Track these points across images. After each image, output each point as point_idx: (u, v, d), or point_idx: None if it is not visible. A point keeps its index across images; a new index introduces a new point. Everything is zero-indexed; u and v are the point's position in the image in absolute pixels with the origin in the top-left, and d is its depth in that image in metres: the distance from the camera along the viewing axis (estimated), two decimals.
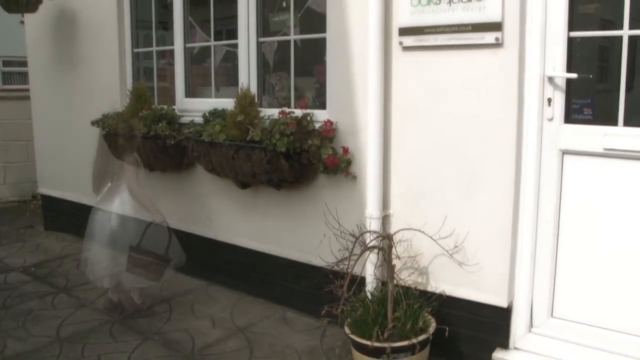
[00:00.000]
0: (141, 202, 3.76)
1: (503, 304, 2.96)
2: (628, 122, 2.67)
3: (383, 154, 3.23)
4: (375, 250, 3.13)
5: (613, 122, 2.69)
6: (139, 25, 4.91)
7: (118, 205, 3.73)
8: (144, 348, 3.40)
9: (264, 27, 3.98)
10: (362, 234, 3.10)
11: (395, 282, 3.02)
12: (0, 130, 7.37)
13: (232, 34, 4.10)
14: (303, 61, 3.94)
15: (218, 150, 3.73)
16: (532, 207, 2.90)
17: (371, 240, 3.10)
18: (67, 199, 5.69)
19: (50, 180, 6.01)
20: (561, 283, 2.91)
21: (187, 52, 4.48)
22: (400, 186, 3.27)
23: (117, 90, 4.90)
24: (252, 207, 4.03)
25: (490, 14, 2.81)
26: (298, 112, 3.50)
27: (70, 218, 5.62)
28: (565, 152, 2.83)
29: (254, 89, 3.90)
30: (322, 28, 3.55)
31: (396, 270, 3.07)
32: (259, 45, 3.98)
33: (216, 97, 4.37)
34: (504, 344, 2.99)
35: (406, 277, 3.21)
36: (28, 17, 5.58)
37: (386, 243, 3.06)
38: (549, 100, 2.82)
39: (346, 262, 2.97)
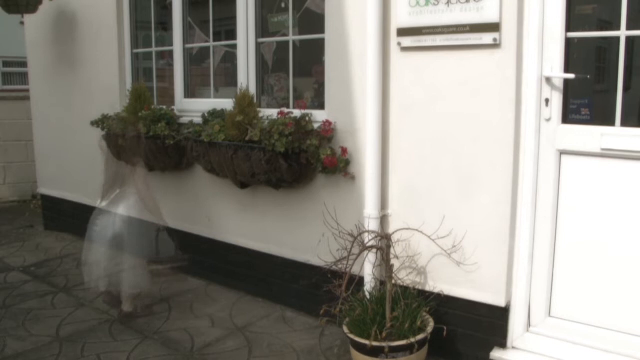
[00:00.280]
0: (148, 205, 3.78)
1: (501, 303, 2.97)
2: (625, 123, 2.67)
3: (381, 154, 3.24)
4: (374, 250, 3.14)
5: (610, 122, 2.70)
6: (139, 26, 4.92)
7: (123, 210, 3.73)
8: (144, 347, 3.41)
9: (263, 28, 3.99)
10: (360, 234, 3.10)
11: (393, 281, 3.03)
12: (0, 131, 7.39)
13: (231, 34, 4.11)
14: (302, 62, 3.95)
15: (217, 151, 3.74)
16: (529, 207, 2.91)
17: (370, 240, 3.11)
18: (67, 199, 5.71)
19: (50, 180, 6.03)
20: (559, 283, 2.92)
21: (187, 52, 4.49)
22: (398, 186, 3.28)
23: (117, 91, 4.91)
24: (251, 207, 4.04)
25: (488, 15, 2.82)
26: (297, 113, 3.51)
27: (70, 218, 5.64)
28: (562, 153, 2.84)
29: (253, 90, 3.91)
30: (320, 29, 3.56)
31: (394, 270, 3.08)
32: (258, 45, 3.99)
33: (215, 97, 4.37)
34: (502, 343, 3.00)
35: (404, 277, 3.22)
36: (28, 18, 5.59)
37: (384, 243, 3.07)
38: (547, 100, 2.83)
39: (345, 262, 2.98)
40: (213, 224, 4.32)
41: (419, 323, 2.92)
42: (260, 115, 3.68)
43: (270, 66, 4.11)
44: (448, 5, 2.94)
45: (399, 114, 3.21)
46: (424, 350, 2.97)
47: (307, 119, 3.48)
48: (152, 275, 3.90)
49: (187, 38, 4.47)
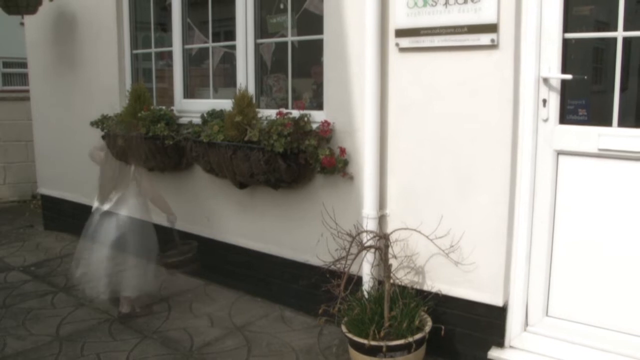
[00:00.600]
0: (157, 202, 3.80)
1: (498, 302, 2.98)
2: (622, 123, 2.69)
3: (380, 154, 3.25)
4: (372, 250, 3.14)
5: (607, 122, 2.71)
6: (138, 26, 4.94)
7: (126, 212, 3.75)
8: (143, 347, 3.42)
9: (262, 29, 4.00)
10: (359, 234, 3.11)
11: (391, 281, 3.04)
12: (0, 131, 7.40)
13: (230, 35, 4.12)
14: (300, 62, 3.96)
15: (216, 151, 3.75)
16: (527, 206, 2.92)
17: (368, 240, 3.13)
18: (67, 199, 5.72)
19: (50, 181, 6.04)
20: (556, 282, 2.93)
21: (186, 53, 4.50)
22: (396, 186, 3.29)
23: (117, 91, 4.92)
24: (250, 207, 4.05)
25: (485, 16, 2.83)
26: (295, 113, 3.52)
27: (70, 218, 5.65)
28: (560, 153, 2.85)
29: (251, 90, 3.93)
30: (319, 29, 3.57)
31: (393, 269, 3.09)
32: (257, 46, 4.00)
33: (214, 98, 4.39)
34: (500, 343, 3.01)
35: (403, 277, 3.23)
36: (28, 19, 5.61)
37: (383, 243, 3.09)
38: (544, 101, 2.84)
39: (343, 262, 2.99)
40: (212, 223, 4.33)
41: (417, 322, 2.93)
42: (259, 115, 3.69)
43: (269, 67, 4.12)
44: (446, 6, 2.95)
45: (397, 115, 3.22)
46: (422, 350, 2.98)
47: (306, 119, 3.49)
48: (165, 271, 3.91)
49: (186, 39, 4.48)
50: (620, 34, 2.65)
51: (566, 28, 2.78)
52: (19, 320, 3.80)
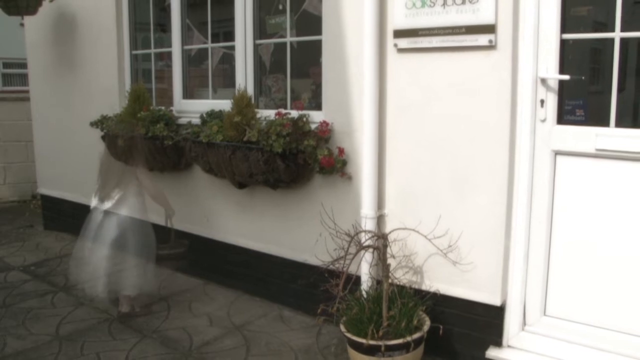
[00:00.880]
0: (158, 198, 3.82)
1: (496, 302, 2.99)
2: (620, 123, 2.70)
3: (378, 154, 3.26)
4: (371, 250, 3.15)
5: (605, 123, 2.72)
6: (138, 27, 4.95)
7: (126, 211, 3.75)
8: (142, 346, 3.43)
9: (261, 30, 4.01)
10: (357, 234, 3.12)
11: (390, 281, 3.04)
12: (0, 131, 7.42)
13: (229, 36, 4.13)
14: (299, 63, 3.97)
15: (215, 151, 3.76)
16: (525, 207, 2.93)
17: (366, 240, 3.13)
18: (67, 199, 5.73)
19: (50, 181, 6.05)
20: (554, 282, 2.94)
21: (185, 54, 4.52)
22: (395, 186, 3.30)
23: (116, 92, 4.94)
24: (249, 207, 4.06)
25: (483, 17, 2.84)
26: (294, 113, 3.54)
27: (70, 218, 5.66)
28: (557, 153, 2.86)
29: (250, 91, 3.94)
30: (318, 30, 3.58)
31: (391, 269, 3.10)
32: (256, 47, 4.01)
33: (213, 98, 4.40)
34: (498, 342, 3.02)
35: (401, 276, 3.24)
36: (28, 20, 5.62)
37: (381, 242, 3.09)
38: (542, 101, 2.85)
39: (342, 261, 3.00)
40: (211, 223, 4.34)
41: (415, 322, 2.94)
42: (258, 116, 3.70)
43: (267, 67, 4.13)
44: (444, 7, 2.96)
45: (396, 115, 3.23)
46: (420, 349, 2.99)
47: (305, 119, 3.50)
48: (159, 267, 3.92)
49: (185, 39, 4.49)
50: (617, 34, 2.66)
51: (564, 29, 2.79)
52: (19, 319, 3.81)
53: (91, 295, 3.91)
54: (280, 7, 3.96)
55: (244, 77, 4.01)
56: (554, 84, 2.83)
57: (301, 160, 3.49)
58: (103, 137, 4.51)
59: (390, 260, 3.11)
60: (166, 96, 4.77)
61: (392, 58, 3.20)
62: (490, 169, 2.93)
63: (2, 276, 4.69)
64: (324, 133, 3.43)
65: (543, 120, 2.86)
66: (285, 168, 3.47)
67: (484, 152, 2.94)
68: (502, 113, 2.87)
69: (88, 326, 3.71)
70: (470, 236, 3.02)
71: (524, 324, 3.02)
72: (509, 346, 3.01)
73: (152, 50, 4.88)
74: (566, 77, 2.80)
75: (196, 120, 4.15)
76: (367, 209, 3.28)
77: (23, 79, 10.55)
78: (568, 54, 2.86)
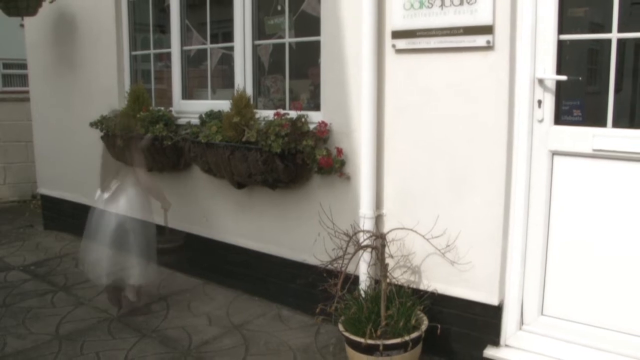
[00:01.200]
0: (152, 191, 3.84)
1: (494, 302, 3.01)
2: (617, 124, 2.71)
3: (376, 154, 3.28)
4: (369, 249, 3.17)
5: (602, 123, 2.73)
6: (137, 28, 4.96)
7: (125, 202, 3.76)
8: (142, 345, 3.45)
9: (260, 30, 4.02)
10: (355, 234, 3.14)
11: (388, 280, 3.05)
12: (0, 132, 7.43)
13: (228, 36, 4.15)
14: (298, 64, 3.98)
15: (214, 151, 3.77)
16: (522, 207, 2.94)
17: (365, 240, 3.14)
18: (66, 199, 5.74)
19: (50, 181, 6.06)
20: (551, 282, 2.95)
21: (184, 54, 4.53)
22: (393, 186, 3.31)
23: (116, 92, 4.95)
24: (248, 207, 4.07)
25: (481, 17, 2.85)
26: (293, 114, 3.55)
27: (69, 218, 5.67)
28: (555, 153, 2.87)
29: (249, 91, 3.95)
30: (316, 31, 3.59)
31: (389, 269, 3.11)
32: (255, 47, 4.02)
33: (212, 99, 4.41)
34: (495, 341, 3.03)
35: (399, 276, 3.25)
36: (28, 20, 5.62)
37: (379, 242, 3.10)
38: (539, 102, 2.86)
39: (340, 261, 3.02)
40: (210, 223, 4.35)
41: (413, 321, 2.95)
42: (257, 116, 3.71)
43: (266, 68, 4.14)
44: (442, 8, 2.97)
45: (394, 115, 3.25)
46: (418, 348, 3.00)
47: (303, 120, 3.51)
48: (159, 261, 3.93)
49: (184, 40, 4.50)
50: (614, 35, 2.67)
51: (561, 29, 2.80)
52: (19, 319, 3.82)
53: (97, 283, 3.92)
54: (279, 8, 3.97)
55: (243, 77, 4.02)
56: (552, 85, 2.84)
57: (300, 160, 3.50)
58: (103, 137, 4.52)
59: (388, 260, 3.13)
60: (165, 97, 4.78)
61: (391, 59, 3.21)
62: (488, 169, 2.94)
63: (2, 276, 4.71)
64: (323, 133, 3.45)
65: (540, 121, 2.88)
66: (284, 168, 3.49)
67: (482, 152, 2.95)
68: (499, 113, 2.88)
69: (88, 325, 3.72)
70: (468, 236, 3.03)
71: (522, 323, 3.03)
72: (506, 345, 3.02)
73: (152, 51, 4.89)
74: (563, 77, 2.81)
75: (195, 121, 4.16)
76: (365, 209, 3.29)
77: (23, 79, 10.57)
78: (565, 55, 2.88)
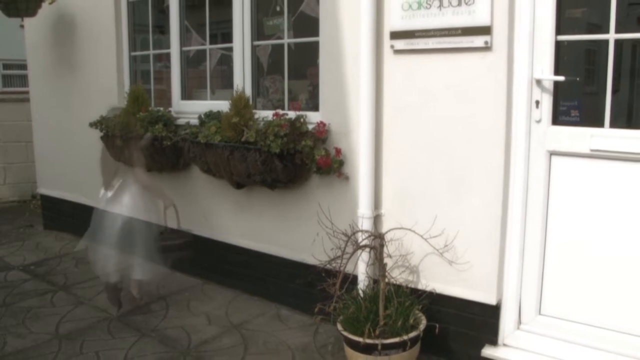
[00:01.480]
0: (152, 189, 3.85)
1: (492, 301, 3.01)
2: (614, 124, 2.72)
3: (375, 155, 3.28)
4: (367, 249, 3.18)
5: (599, 123, 2.74)
6: (136, 29, 4.97)
7: (128, 199, 3.77)
8: (141, 344, 3.46)
9: (259, 31, 4.03)
10: (354, 233, 3.14)
11: (386, 280, 3.06)
12: (0, 132, 7.44)
13: (227, 37, 4.15)
14: (297, 64, 3.99)
15: (213, 151, 3.78)
16: (520, 207, 2.95)
17: (363, 239, 3.15)
18: (66, 199, 5.75)
19: (50, 181, 6.07)
20: (549, 281, 2.96)
21: (183, 55, 4.53)
22: (391, 186, 3.32)
23: (115, 93, 4.96)
24: (247, 207, 4.08)
25: (479, 18, 2.85)
26: (292, 114, 3.56)
27: (69, 218, 5.68)
28: (552, 153, 2.88)
29: (248, 91, 3.95)
30: (315, 32, 3.60)
31: (387, 268, 3.12)
32: (254, 48, 4.03)
33: (212, 99, 4.42)
34: (493, 341, 3.04)
35: (397, 276, 3.26)
36: (28, 21, 5.63)
37: (378, 242, 3.11)
38: (537, 102, 2.87)
39: (339, 261, 3.02)
40: (210, 223, 4.36)
41: (411, 321, 2.96)
42: (256, 116, 3.72)
43: (265, 68, 4.15)
44: (440, 9, 2.98)
45: (392, 116, 3.26)
46: (417, 348, 3.01)
47: (302, 120, 3.52)
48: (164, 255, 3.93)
49: (183, 41, 4.51)
50: (612, 36, 2.67)
51: (559, 30, 2.81)
52: (19, 318, 3.83)
53: (103, 279, 3.91)
54: (278, 8, 3.97)
55: (242, 78, 4.03)
56: (549, 85, 2.85)
57: (298, 160, 3.51)
58: (102, 138, 4.53)
59: (386, 260, 3.13)
60: (165, 97, 4.79)
61: (389, 59, 3.22)
62: (486, 170, 2.95)
63: (2, 275, 4.72)
64: (321, 134, 3.46)
65: (538, 121, 2.89)
66: (282, 168, 3.50)
67: (480, 152, 2.95)
68: (497, 114, 2.89)
69: (87, 325, 3.73)
70: (466, 236, 3.04)
71: (520, 322, 3.04)
72: (504, 345, 3.03)
73: (151, 52, 4.90)
74: (561, 78, 2.82)
75: (194, 121, 4.17)
76: (363, 209, 3.30)
77: (23, 80, 10.57)
78: (563, 55, 2.88)
